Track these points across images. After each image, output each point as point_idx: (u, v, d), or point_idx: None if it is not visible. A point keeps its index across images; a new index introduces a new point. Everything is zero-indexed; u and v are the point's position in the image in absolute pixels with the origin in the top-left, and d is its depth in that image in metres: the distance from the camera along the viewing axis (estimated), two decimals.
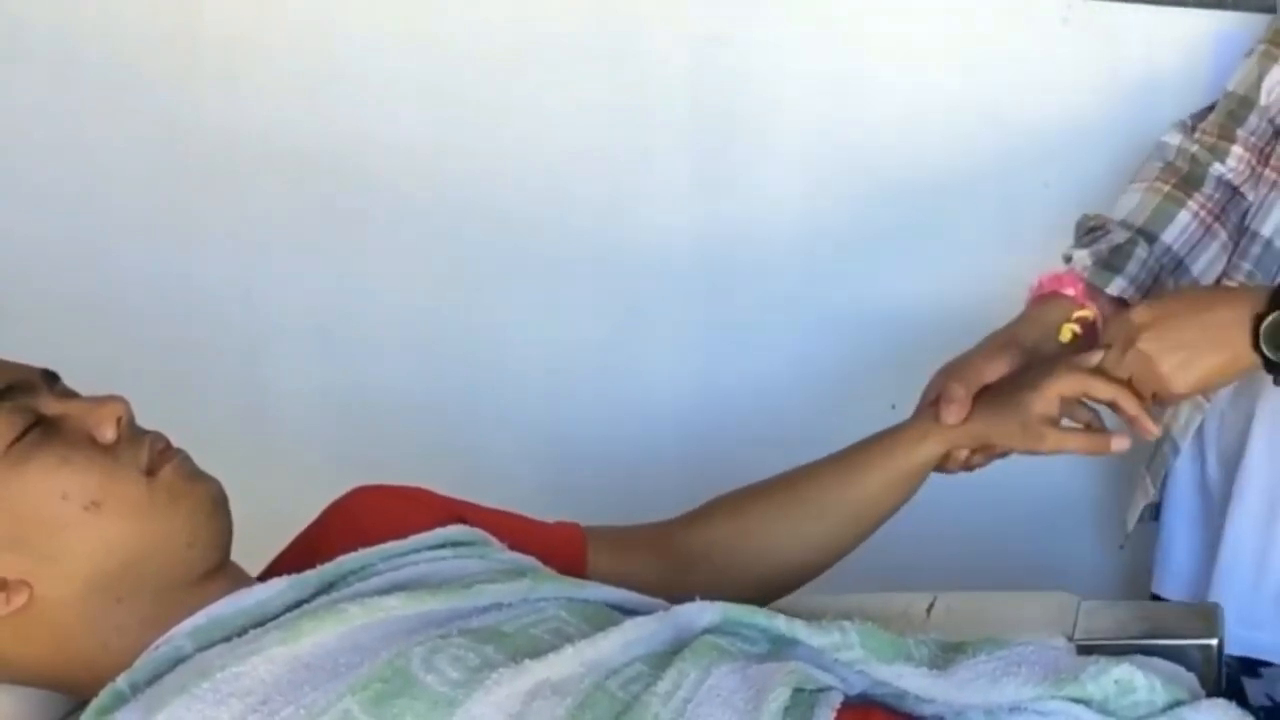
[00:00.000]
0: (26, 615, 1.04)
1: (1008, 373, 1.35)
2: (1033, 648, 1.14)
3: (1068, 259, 1.49)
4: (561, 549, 1.27)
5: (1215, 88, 1.63)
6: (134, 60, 1.94)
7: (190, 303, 2.02)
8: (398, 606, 1.06)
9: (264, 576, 1.14)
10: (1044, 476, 1.28)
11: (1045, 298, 1.44)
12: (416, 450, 1.97)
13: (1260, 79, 1.52)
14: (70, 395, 1.09)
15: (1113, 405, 1.29)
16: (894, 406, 1.89)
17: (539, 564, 1.21)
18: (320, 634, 1.02)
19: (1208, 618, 1.25)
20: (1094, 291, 1.44)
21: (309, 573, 1.11)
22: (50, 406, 1.06)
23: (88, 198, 2.00)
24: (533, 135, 1.91)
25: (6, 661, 1.06)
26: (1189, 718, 1.09)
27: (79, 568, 1.04)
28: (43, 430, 1.05)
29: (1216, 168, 1.52)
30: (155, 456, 1.07)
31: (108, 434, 1.06)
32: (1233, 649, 1.40)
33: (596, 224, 1.92)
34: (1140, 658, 1.14)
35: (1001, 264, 1.83)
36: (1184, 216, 1.50)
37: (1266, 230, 1.46)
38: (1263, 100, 1.52)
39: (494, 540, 1.22)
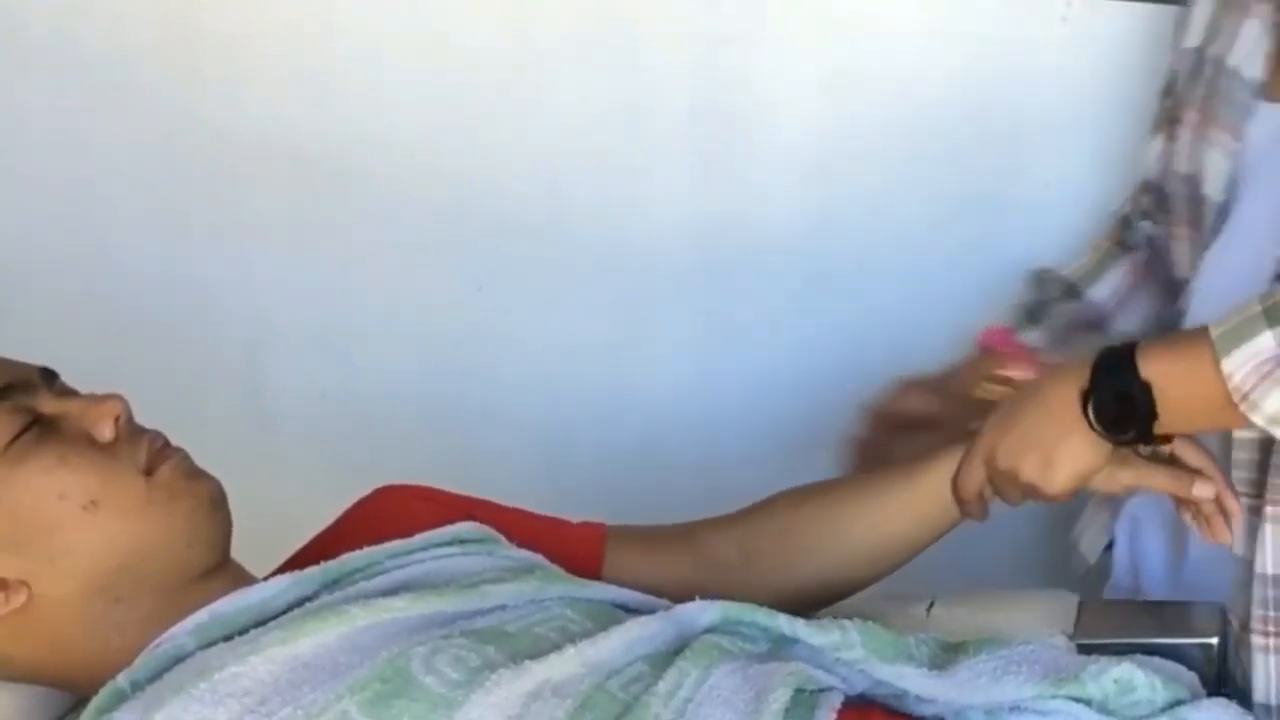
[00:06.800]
0: (25, 615, 1.04)
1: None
2: (1033, 647, 1.14)
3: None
4: (577, 548, 1.25)
5: None
6: (134, 60, 1.94)
7: (190, 302, 2.02)
8: (402, 607, 1.05)
9: (279, 573, 1.13)
10: None
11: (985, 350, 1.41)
12: (416, 450, 1.97)
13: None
14: (69, 394, 1.09)
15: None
16: None
17: (546, 561, 1.20)
18: (322, 634, 1.01)
19: (1209, 617, 1.24)
20: (1028, 352, 1.39)
21: (312, 569, 1.11)
22: (48, 405, 1.06)
23: (87, 197, 2.00)
24: (533, 135, 1.91)
25: (6, 660, 1.06)
26: (1189, 717, 1.09)
27: (77, 567, 1.04)
28: (40, 429, 1.04)
29: (1143, 225, 1.51)
30: (153, 455, 1.07)
31: (105, 433, 1.06)
32: None
33: (596, 224, 1.92)
34: (1140, 657, 1.14)
35: (1001, 264, 1.84)
36: (1114, 275, 1.51)
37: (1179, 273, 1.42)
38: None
39: (501, 537, 1.22)
